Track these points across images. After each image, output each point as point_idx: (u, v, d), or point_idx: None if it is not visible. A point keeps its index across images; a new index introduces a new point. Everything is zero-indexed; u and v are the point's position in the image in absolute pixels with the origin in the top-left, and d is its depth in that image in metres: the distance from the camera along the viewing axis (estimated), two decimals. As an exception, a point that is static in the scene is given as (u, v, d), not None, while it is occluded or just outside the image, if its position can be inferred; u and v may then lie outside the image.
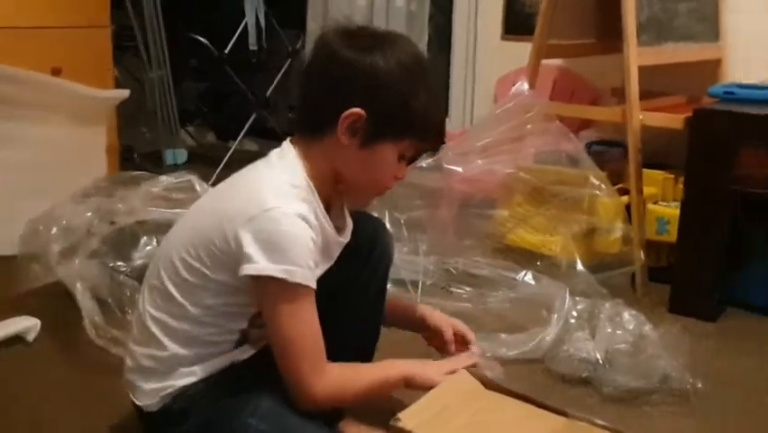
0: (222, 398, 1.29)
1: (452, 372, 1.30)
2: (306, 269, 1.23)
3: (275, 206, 1.23)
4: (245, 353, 1.38)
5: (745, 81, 2.41)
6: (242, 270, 1.22)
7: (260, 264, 1.21)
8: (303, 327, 1.25)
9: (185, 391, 1.32)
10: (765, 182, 2.09)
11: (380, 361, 1.46)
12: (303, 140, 1.34)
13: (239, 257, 1.23)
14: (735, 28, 2.79)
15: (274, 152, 1.35)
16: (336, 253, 1.41)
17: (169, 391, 1.32)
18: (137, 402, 1.37)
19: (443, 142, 1.39)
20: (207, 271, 1.28)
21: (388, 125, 1.28)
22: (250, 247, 1.21)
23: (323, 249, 1.32)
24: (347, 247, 1.44)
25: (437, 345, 1.60)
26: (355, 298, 1.49)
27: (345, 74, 1.27)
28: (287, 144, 1.34)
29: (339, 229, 1.39)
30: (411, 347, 1.66)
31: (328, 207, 1.35)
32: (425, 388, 1.27)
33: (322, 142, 1.30)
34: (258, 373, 1.32)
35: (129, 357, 1.40)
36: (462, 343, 1.57)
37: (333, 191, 1.36)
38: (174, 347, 1.32)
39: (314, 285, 1.26)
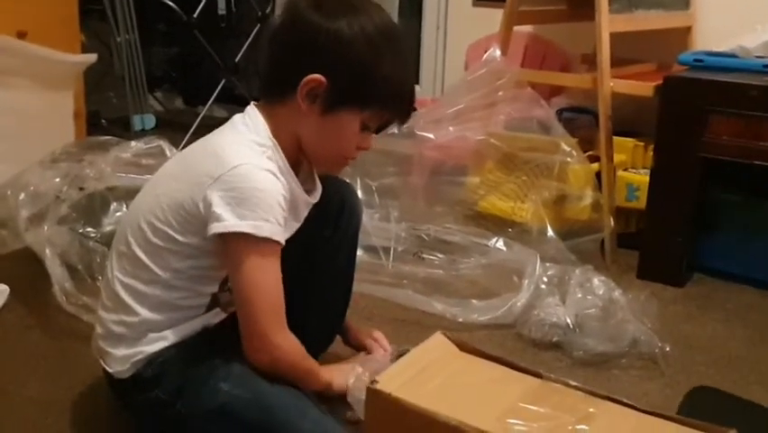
0: (193, 363, 1.28)
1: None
2: (275, 224, 1.23)
3: (242, 162, 1.22)
4: (217, 316, 1.38)
5: (714, 49, 2.42)
6: (211, 229, 1.22)
7: (228, 222, 1.20)
8: (268, 279, 1.24)
9: (156, 357, 1.31)
10: (734, 149, 2.11)
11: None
12: (267, 104, 1.33)
13: (207, 218, 1.22)
14: (705, -4, 2.81)
15: (238, 116, 1.35)
16: (304, 213, 1.41)
17: (140, 357, 1.32)
18: (108, 369, 1.36)
19: (413, 112, 1.36)
20: (176, 235, 1.27)
21: (350, 94, 1.27)
22: (218, 207, 1.21)
23: (291, 208, 1.32)
24: (315, 208, 1.44)
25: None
26: (325, 260, 1.50)
27: (308, 39, 1.26)
28: (251, 108, 1.34)
29: (308, 191, 1.39)
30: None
31: (296, 169, 1.35)
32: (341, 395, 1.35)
33: (284, 106, 1.30)
34: (230, 338, 1.31)
35: (98, 324, 1.39)
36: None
37: (299, 154, 1.36)
38: (144, 312, 1.31)
39: (282, 241, 1.25)
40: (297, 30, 1.27)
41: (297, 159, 1.36)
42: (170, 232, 1.28)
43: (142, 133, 3.45)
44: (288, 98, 1.28)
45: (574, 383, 0.99)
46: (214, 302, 1.37)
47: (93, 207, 2.09)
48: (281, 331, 1.27)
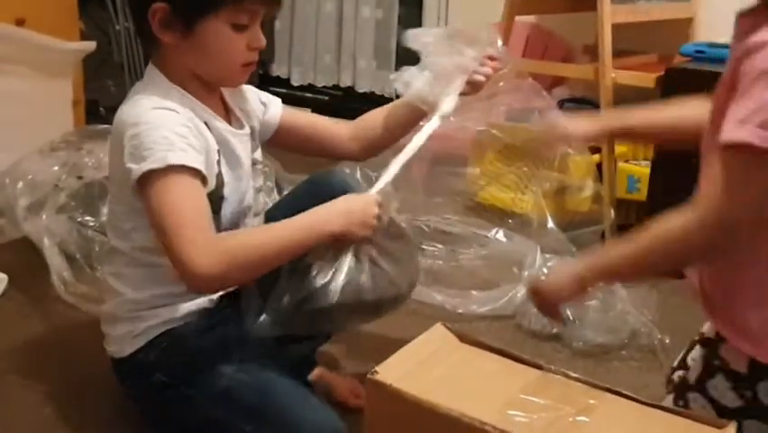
0: (196, 347, 1.29)
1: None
2: (177, 151, 1.19)
3: (136, 115, 1.22)
4: (210, 299, 1.36)
5: (716, 40, 2.41)
6: (130, 187, 1.22)
7: (134, 170, 1.19)
8: (179, 199, 1.19)
9: (157, 338, 1.32)
10: (735, 141, 2.10)
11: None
12: (153, 57, 1.32)
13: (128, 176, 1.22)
14: (706, -13, 2.80)
15: (138, 82, 1.34)
16: (242, 147, 1.38)
17: (137, 333, 1.32)
18: (108, 349, 1.38)
19: None
20: (130, 205, 1.28)
21: (192, 3, 1.24)
22: (129, 161, 1.20)
23: (220, 143, 1.31)
24: (319, 196, 1.40)
25: None
26: None
27: None
28: (148, 66, 1.33)
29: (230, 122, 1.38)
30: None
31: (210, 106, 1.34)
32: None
33: (160, 50, 1.29)
34: (232, 321, 1.31)
35: (102, 311, 1.41)
36: None
37: (208, 93, 1.34)
38: (129, 292, 1.33)
39: (196, 164, 1.20)
40: None
41: (209, 92, 1.35)
42: (125, 205, 1.29)
43: (141, 122, 3.43)
44: (156, 40, 1.27)
45: (575, 375, 0.99)
46: None
47: (91, 195, 2.08)
48: (203, 248, 1.16)
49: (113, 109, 3.70)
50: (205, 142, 1.27)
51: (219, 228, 1.29)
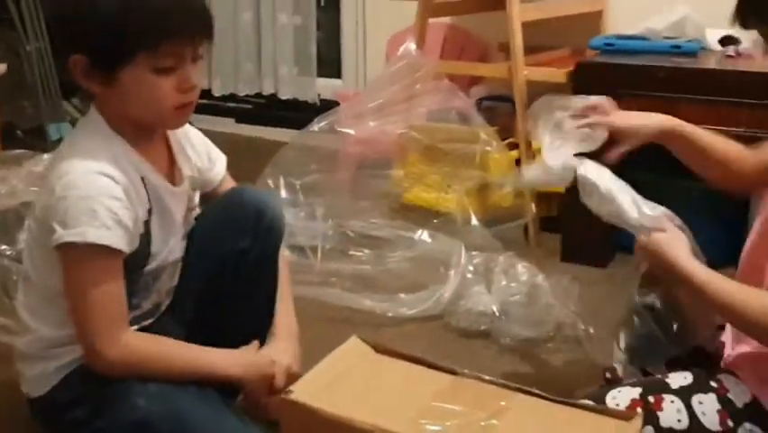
0: (110, 381, 1.26)
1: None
2: (102, 228, 1.19)
3: (69, 171, 1.20)
4: None
5: (624, 32, 2.47)
6: (50, 243, 1.20)
7: (56, 233, 1.19)
8: (96, 287, 1.21)
9: (71, 375, 1.30)
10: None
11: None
12: (95, 100, 1.29)
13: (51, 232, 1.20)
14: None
15: (80, 119, 1.32)
16: (177, 204, 1.37)
17: (50, 372, 1.30)
18: (23, 389, 1.35)
19: (202, 23, 1.26)
20: (45, 250, 1.26)
21: (105, 54, 1.20)
22: (52, 219, 1.19)
23: (154, 200, 1.29)
24: (229, 220, 1.42)
25: None
26: (246, 273, 1.46)
27: (50, 19, 1.26)
28: (91, 108, 1.30)
29: (169, 177, 1.36)
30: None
31: (149, 151, 1.32)
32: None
33: (94, 97, 1.28)
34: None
35: (15, 347, 1.37)
36: None
37: (149, 139, 1.32)
38: (43, 329, 1.30)
39: (115, 244, 1.21)
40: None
41: (150, 138, 1.33)
42: (41, 248, 1.27)
43: (59, 143, 3.35)
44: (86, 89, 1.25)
45: (488, 377, 1.01)
46: None
47: (6, 224, 2.03)
48: (113, 343, 1.22)
49: (30, 131, 3.60)
50: (135, 209, 1.25)
51: (140, 278, 1.31)
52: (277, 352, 1.38)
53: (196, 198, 1.46)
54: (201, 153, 1.46)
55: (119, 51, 1.19)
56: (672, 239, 1.22)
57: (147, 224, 1.29)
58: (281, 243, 1.53)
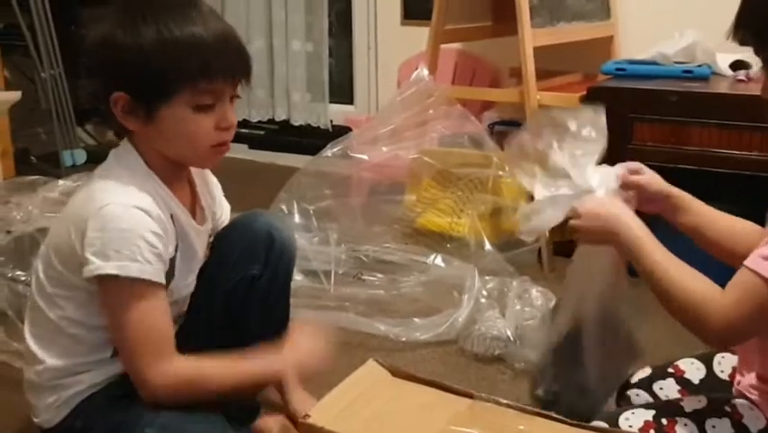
0: (119, 411, 1.27)
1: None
2: (144, 263, 1.20)
3: (109, 202, 1.20)
4: None
5: (635, 57, 2.48)
6: (84, 273, 1.20)
7: (94, 264, 1.19)
8: (140, 319, 1.21)
9: (81, 405, 1.29)
10: (659, 155, 2.16)
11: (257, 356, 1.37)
12: (130, 135, 1.29)
13: (83, 261, 1.20)
14: (624, 5, 2.88)
15: (112, 152, 1.32)
16: (200, 242, 1.38)
17: (60, 403, 1.30)
18: (35, 420, 1.34)
19: (242, 63, 1.27)
20: (65, 278, 1.26)
21: (147, 91, 1.21)
22: (87, 249, 1.19)
23: (181, 237, 1.30)
24: (241, 246, 1.42)
25: None
26: (257, 300, 1.46)
27: (92, 59, 1.25)
28: (124, 141, 1.30)
29: (194, 215, 1.37)
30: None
31: (179, 192, 1.33)
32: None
33: (130, 133, 1.28)
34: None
35: (25, 377, 1.36)
36: None
37: (179, 177, 1.33)
38: (48, 359, 1.29)
39: (156, 278, 1.22)
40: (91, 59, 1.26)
41: (180, 177, 1.34)
42: (61, 278, 1.26)
43: (73, 169, 3.38)
44: (123, 125, 1.25)
45: (505, 401, 1.00)
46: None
47: (21, 249, 2.04)
48: (158, 368, 1.22)
49: (44, 157, 3.64)
50: (167, 244, 1.26)
51: None
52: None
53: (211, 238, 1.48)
54: (215, 198, 1.48)
55: (161, 89, 1.21)
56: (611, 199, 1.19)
57: (172, 260, 1.29)
58: (293, 268, 1.53)
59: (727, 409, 1.16)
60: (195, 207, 1.39)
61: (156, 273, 1.22)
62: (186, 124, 1.23)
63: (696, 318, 1.05)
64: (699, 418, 1.15)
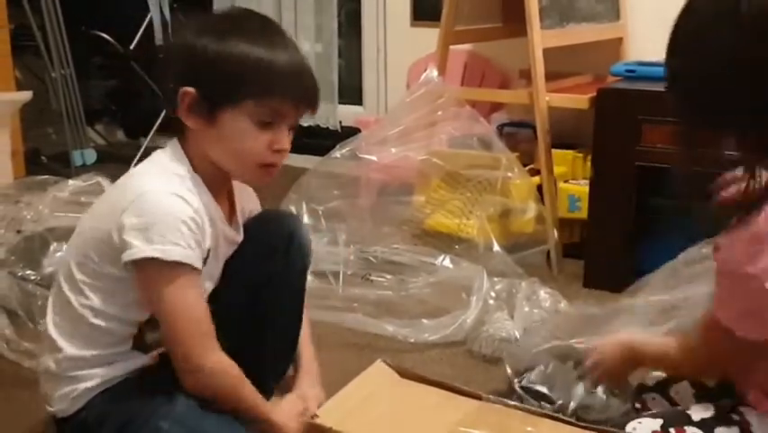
0: (135, 403, 1.27)
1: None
2: (186, 248, 1.21)
3: (150, 189, 1.22)
4: (151, 356, 1.36)
5: (645, 59, 2.48)
6: (123, 257, 1.21)
7: (136, 248, 1.20)
8: (186, 301, 1.23)
9: (96, 397, 1.30)
10: (668, 156, 2.14)
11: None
12: (181, 137, 1.32)
13: (121, 247, 1.21)
14: (634, 6, 2.87)
15: (158, 150, 1.33)
16: (225, 252, 1.39)
17: (76, 394, 1.30)
18: (49, 409, 1.35)
19: (309, 92, 1.31)
20: (97, 268, 1.27)
21: (216, 91, 1.24)
22: (128, 234, 1.20)
23: (213, 240, 1.31)
24: (261, 244, 1.43)
25: None
26: (274, 298, 1.47)
27: (172, 57, 1.29)
28: (172, 142, 1.33)
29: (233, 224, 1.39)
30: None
31: (221, 200, 1.35)
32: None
33: (186, 132, 1.30)
34: (171, 375, 1.29)
35: (41, 367, 1.37)
36: None
37: (221, 186, 1.35)
38: (70, 350, 1.30)
39: (196, 264, 1.24)
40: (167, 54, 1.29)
41: (223, 185, 1.36)
42: (92, 266, 1.27)
43: (83, 169, 3.39)
44: (183, 122, 1.28)
45: (512, 403, 1.00)
46: (138, 343, 1.35)
47: (32, 249, 2.05)
48: (207, 352, 1.25)
49: (54, 157, 3.66)
50: (204, 239, 1.27)
51: None
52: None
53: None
54: (251, 213, 1.48)
55: (230, 92, 1.24)
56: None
57: (205, 259, 1.30)
58: (308, 268, 1.55)
59: (736, 417, 1.16)
60: (232, 219, 1.40)
61: (197, 260, 1.24)
62: (243, 133, 1.25)
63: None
64: (707, 427, 1.15)
